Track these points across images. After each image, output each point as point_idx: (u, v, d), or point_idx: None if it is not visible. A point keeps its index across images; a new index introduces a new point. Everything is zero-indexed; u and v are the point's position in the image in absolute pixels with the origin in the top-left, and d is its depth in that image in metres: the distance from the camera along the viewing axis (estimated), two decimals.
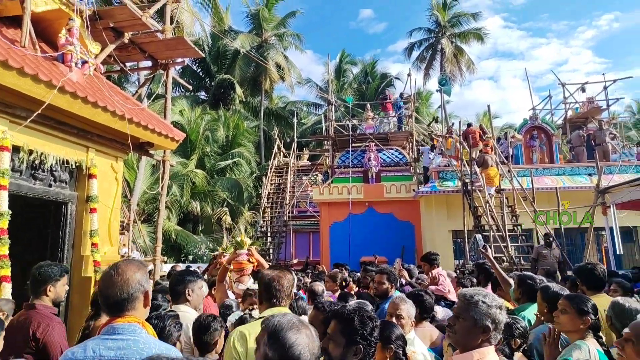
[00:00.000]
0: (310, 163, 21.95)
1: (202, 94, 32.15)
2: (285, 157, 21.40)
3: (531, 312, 3.31)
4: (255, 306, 3.55)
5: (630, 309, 2.72)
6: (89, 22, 6.05)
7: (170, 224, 19.91)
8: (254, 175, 27.20)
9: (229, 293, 4.35)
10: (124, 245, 10.99)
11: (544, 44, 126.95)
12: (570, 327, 2.55)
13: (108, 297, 1.71)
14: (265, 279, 2.43)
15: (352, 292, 5.27)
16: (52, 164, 5.64)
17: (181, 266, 9.65)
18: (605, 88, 16.51)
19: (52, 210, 6.08)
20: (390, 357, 2.31)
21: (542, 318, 3.02)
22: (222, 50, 30.69)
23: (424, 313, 3.26)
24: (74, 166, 6.04)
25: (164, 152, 8.37)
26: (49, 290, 2.79)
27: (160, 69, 8.30)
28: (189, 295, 3.01)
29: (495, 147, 12.73)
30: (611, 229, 9.47)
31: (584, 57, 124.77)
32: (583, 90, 17.23)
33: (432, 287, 5.05)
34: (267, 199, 19.15)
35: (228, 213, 22.62)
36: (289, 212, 18.03)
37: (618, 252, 9.04)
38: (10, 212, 4.85)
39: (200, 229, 23.78)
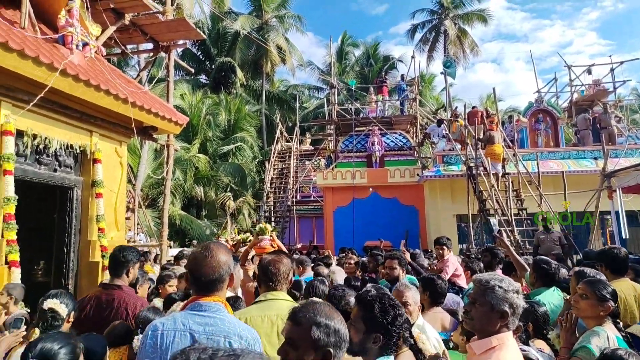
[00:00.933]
0: (313, 148, 21.84)
1: (203, 78, 31.85)
2: (287, 141, 21.30)
3: (546, 297, 3.28)
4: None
5: None
6: (88, 3, 5.92)
7: (175, 209, 19.92)
8: (257, 160, 27.11)
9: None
10: (129, 229, 11.01)
11: (548, 26, 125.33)
12: (590, 313, 2.51)
13: (200, 276, 1.81)
14: (262, 263, 2.48)
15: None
16: (56, 149, 5.59)
17: (187, 250, 9.65)
18: (612, 70, 16.28)
19: (58, 195, 6.06)
20: None
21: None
22: (222, 32, 30.29)
23: (436, 298, 3.22)
24: (78, 151, 5.99)
25: (168, 137, 8.30)
26: (130, 272, 2.93)
27: (161, 52, 8.17)
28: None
29: (499, 124, 12.59)
30: (617, 213, 9.42)
31: (589, 38, 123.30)
32: (589, 72, 17.00)
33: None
34: (270, 184, 19.11)
35: (232, 198, 22.61)
36: (292, 197, 18.01)
37: (624, 237, 9.01)
38: (17, 198, 4.82)
39: (204, 213, 23.81)
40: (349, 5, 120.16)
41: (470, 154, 12.03)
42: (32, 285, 6.11)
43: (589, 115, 14.61)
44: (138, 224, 12.31)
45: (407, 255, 5.82)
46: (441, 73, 16.18)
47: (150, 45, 8.18)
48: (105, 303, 2.74)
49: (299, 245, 15.96)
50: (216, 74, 29.81)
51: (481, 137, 11.93)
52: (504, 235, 3.98)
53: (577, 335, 2.53)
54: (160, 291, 4.21)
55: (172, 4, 8.11)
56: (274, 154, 19.71)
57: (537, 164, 11.91)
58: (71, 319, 2.55)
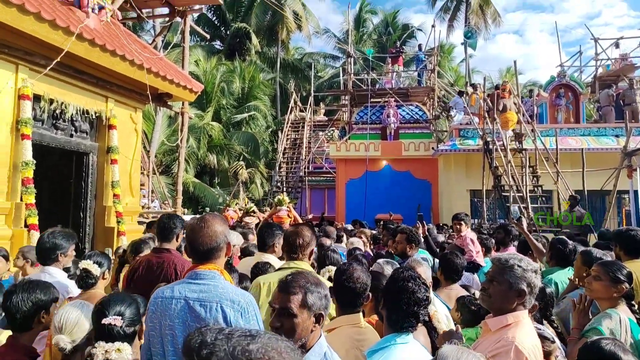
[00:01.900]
0: (326, 118, 21.64)
1: (218, 44, 31.46)
2: (301, 111, 21.12)
3: (559, 276, 3.26)
4: None
5: None
6: None
7: (188, 176, 20.13)
8: (270, 129, 27.03)
9: None
10: (144, 195, 11.17)
11: None
12: (603, 294, 2.49)
13: (198, 246, 1.92)
14: (285, 234, 2.68)
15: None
16: (72, 114, 5.62)
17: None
18: None
19: (75, 160, 6.13)
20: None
21: (579, 283, 2.96)
22: None
23: (453, 274, 3.22)
24: (94, 116, 6.02)
25: (182, 104, 8.28)
26: (177, 239, 3.17)
27: (177, 17, 8.05)
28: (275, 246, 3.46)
29: (513, 91, 12.30)
30: (635, 192, 9.23)
31: (619, 9, 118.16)
32: (617, 45, 16.33)
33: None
34: (283, 154, 19.10)
35: (244, 167, 22.73)
36: (304, 168, 18.01)
37: None
38: (35, 162, 4.89)
39: (217, 181, 24.04)
40: None
41: (487, 128, 11.82)
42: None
43: (613, 91, 14.14)
44: (152, 191, 12.47)
45: (421, 230, 5.83)
46: (461, 44, 15.78)
47: (166, 10, 8.06)
48: (156, 265, 2.95)
49: (310, 216, 16.08)
50: (231, 40, 29.41)
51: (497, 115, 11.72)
52: (524, 222, 3.97)
53: (590, 317, 2.52)
54: None
55: None
56: (287, 123, 19.61)
57: (556, 140, 11.66)
58: (106, 276, 2.75)
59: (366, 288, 2.15)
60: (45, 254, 2.96)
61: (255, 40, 28.85)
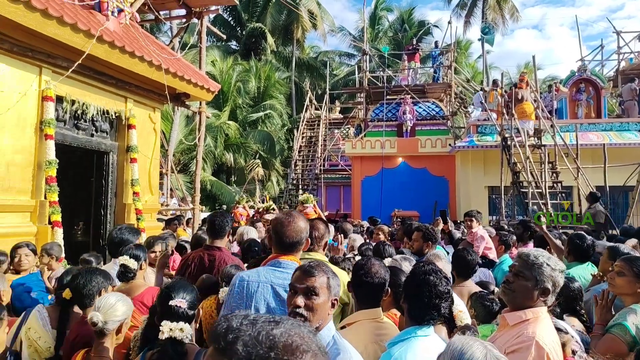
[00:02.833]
0: (342, 116, 21.61)
1: (234, 44, 31.68)
2: (316, 109, 21.11)
3: (578, 271, 3.23)
4: None
5: None
6: None
7: (206, 175, 20.36)
8: (286, 127, 27.13)
9: None
10: (162, 193, 11.35)
11: None
12: (627, 290, 2.46)
13: (285, 238, 2.13)
14: None
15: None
16: (93, 114, 5.75)
17: None
18: None
19: (95, 160, 6.27)
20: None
21: (604, 278, 2.92)
22: None
23: (466, 272, 3.21)
24: (113, 117, 6.14)
25: (200, 104, 8.38)
26: (228, 236, 3.37)
27: (194, 18, 8.14)
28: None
29: (530, 83, 12.10)
30: None
31: None
32: None
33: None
34: (299, 152, 19.15)
35: (260, 165, 22.87)
36: (320, 166, 18.03)
37: None
38: (58, 161, 5.02)
39: (234, 179, 24.25)
40: None
41: (506, 124, 11.66)
42: (73, 244, 6.46)
43: (636, 84, 13.79)
44: (170, 189, 12.66)
45: (441, 227, 5.82)
46: (478, 40, 15.58)
47: (182, 11, 8.16)
48: (207, 262, 3.11)
49: (326, 213, 16.11)
50: (247, 40, 29.60)
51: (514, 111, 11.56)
52: (543, 220, 3.97)
53: (613, 313, 2.49)
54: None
55: None
56: (302, 122, 19.64)
57: (576, 135, 11.44)
58: (144, 267, 3.03)
59: (385, 282, 2.16)
60: (115, 248, 3.24)
61: (270, 39, 28.97)
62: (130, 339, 2.27)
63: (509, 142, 11.31)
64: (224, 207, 18.01)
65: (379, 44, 28.67)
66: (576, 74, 13.77)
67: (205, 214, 11.36)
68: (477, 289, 3.34)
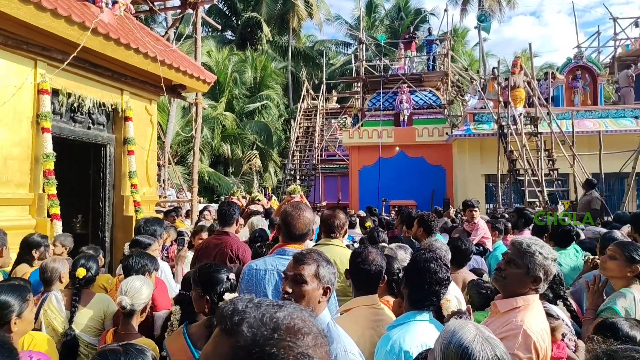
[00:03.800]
0: (339, 106, 21.57)
1: (229, 34, 31.45)
2: (313, 99, 21.08)
3: (560, 257, 3.30)
4: None
5: None
6: None
7: (203, 166, 20.35)
8: (283, 118, 27.07)
9: None
10: (160, 185, 11.35)
11: None
12: (617, 273, 2.51)
13: (294, 230, 2.31)
14: (323, 217, 2.96)
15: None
16: (89, 107, 5.74)
17: (214, 206, 9.95)
18: None
19: (92, 152, 6.27)
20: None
21: (596, 265, 2.98)
22: None
23: (461, 260, 3.27)
24: (110, 109, 6.13)
25: (196, 95, 8.36)
26: (235, 223, 3.65)
27: (189, 8, 8.09)
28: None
29: (524, 68, 12.10)
30: None
31: None
32: (637, 24, 15.91)
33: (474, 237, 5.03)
34: (296, 142, 19.15)
35: (258, 156, 22.87)
36: (317, 156, 18.05)
37: None
38: (55, 154, 5.02)
39: (231, 170, 24.25)
40: None
41: (502, 112, 11.68)
42: (72, 236, 6.46)
43: (632, 71, 13.81)
44: (168, 179, 12.67)
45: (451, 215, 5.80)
46: (475, 27, 15.51)
47: (177, 2, 8.11)
48: (214, 245, 3.46)
49: (324, 203, 16.16)
50: (242, 29, 29.39)
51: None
52: (560, 209, 4.08)
53: (604, 298, 2.54)
54: (193, 242, 4.61)
55: None
56: (299, 112, 19.61)
57: (572, 122, 11.48)
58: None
59: (382, 270, 2.21)
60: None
61: (266, 29, 28.77)
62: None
63: (505, 130, 11.34)
64: (222, 198, 18.03)
65: (375, 33, 28.52)
66: (572, 61, 13.77)
67: (202, 205, 11.38)
68: (472, 276, 3.39)
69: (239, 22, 30.01)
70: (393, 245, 3.18)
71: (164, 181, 12.36)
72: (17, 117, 4.81)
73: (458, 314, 2.22)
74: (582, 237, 4.24)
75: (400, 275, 2.55)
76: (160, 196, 9.80)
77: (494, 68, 13.45)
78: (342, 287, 2.60)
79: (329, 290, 1.77)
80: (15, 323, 1.95)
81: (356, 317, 2.08)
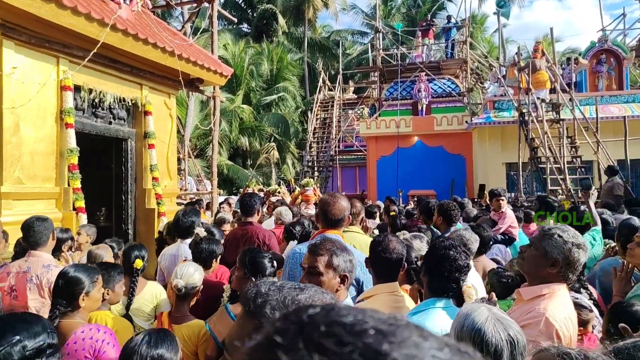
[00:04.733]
0: (356, 96, 21.44)
1: (245, 27, 31.49)
2: (330, 90, 20.99)
3: None
4: None
5: None
6: None
7: (222, 159, 20.54)
8: (300, 110, 27.07)
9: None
10: (181, 178, 11.52)
11: None
12: None
13: (331, 216, 2.48)
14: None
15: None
16: (110, 102, 5.85)
17: (233, 198, 10.06)
18: None
19: (114, 147, 6.40)
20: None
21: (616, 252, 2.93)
22: None
23: (480, 247, 3.24)
24: (130, 104, 6.23)
25: (214, 88, 8.42)
26: (257, 213, 3.89)
27: (205, 2, 8.13)
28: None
29: (546, 54, 11.79)
30: None
31: None
32: None
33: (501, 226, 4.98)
34: (313, 133, 19.13)
35: (275, 148, 22.96)
36: (335, 147, 18.02)
37: None
38: (79, 149, 5.15)
39: (249, 163, 24.42)
40: None
41: (523, 99, 11.44)
42: (96, 229, 6.63)
43: None
44: (188, 174, 12.84)
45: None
46: (494, 13, 15.15)
47: None
48: (241, 235, 3.71)
49: (343, 194, 16.14)
50: (258, 22, 29.39)
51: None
52: (594, 193, 3.95)
53: (632, 285, 2.50)
54: None
55: None
56: (316, 103, 19.56)
57: (596, 108, 11.18)
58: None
59: (402, 258, 2.21)
60: (185, 231, 3.67)
61: (282, 20, 28.70)
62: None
63: (526, 118, 11.12)
64: (241, 190, 18.21)
65: (392, 21, 28.16)
66: (596, 44, 13.36)
67: (223, 198, 11.52)
68: (492, 264, 3.37)
69: (255, 15, 30.01)
70: (408, 235, 3.18)
71: (183, 171, 12.55)
72: (41, 114, 4.94)
73: (481, 300, 2.21)
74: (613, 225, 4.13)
75: (418, 264, 2.56)
76: (181, 188, 9.95)
77: (515, 54, 13.16)
78: None
79: (346, 279, 1.78)
80: (83, 299, 2.13)
81: (376, 304, 2.09)
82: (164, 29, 6.46)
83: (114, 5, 5.48)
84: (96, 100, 5.68)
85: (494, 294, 2.47)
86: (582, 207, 4.04)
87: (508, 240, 4.69)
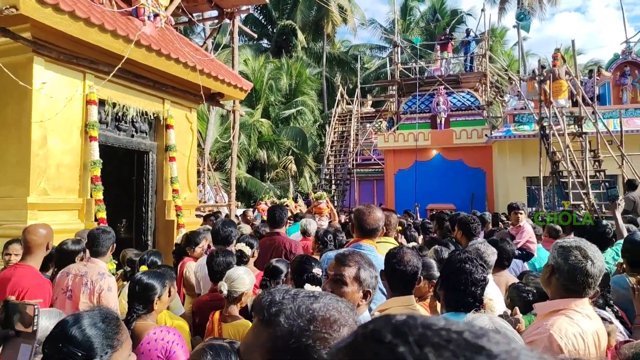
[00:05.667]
0: (374, 110, 21.46)
1: (265, 42, 32.00)
2: (348, 104, 21.09)
3: None
4: None
5: None
6: None
7: (240, 172, 20.74)
8: (318, 123, 27.23)
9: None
10: (200, 190, 11.67)
11: None
12: None
13: (365, 225, 2.54)
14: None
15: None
16: (133, 116, 6.01)
17: (250, 211, 10.14)
18: None
19: (136, 159, 6.55)
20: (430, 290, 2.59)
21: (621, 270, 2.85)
22: None
23: (502, 261, 3.19)
24: (152, 117, 6.39)
25: (234, 102, 8.57)
26: (285, 224, 4.22)
27: (226, 18, 8.32)
28: None
29: (565, 59, 11.70)
30: None
31: None
32: None
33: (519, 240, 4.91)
34: (331, 147, 19.19)
35: (293, 161, 23.08)
36: (352, 160, 18.03)
37: None
38: (102, 161, 5.28)
39: (267, 176, 24.58)
40: None
41: (544, 112, 11.28)
42: (117, 240, 6.73)
43: None
44: (206, 184, 12.99)
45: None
46: (514, 26, 15.08)
47: (215, 13, 8.36)
48: (269, 245, 3.97)
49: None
50: (278, 37, 29.85)
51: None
52: (622, 204, 3.85)
53: None
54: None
55: None
56: (334, 117, 19.66)
57: (620, 121, 10.93)
58: (255, 255, 3.70)
59: (417, 271, 2.19)
60: (225, 240, 3.80)
61: (301, 36, 29.08)
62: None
63: (547, 131, 10.94)
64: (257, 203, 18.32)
65: (410, 35, 28.24)
66: (620, 57, 13.13)
67: (241, 210, 11.61)
68: (514, 279, 3.31)
69: (275, 30, 30.50)
70: (437, 247, 3.18)
71: (202, 184, 12.71)
72: (68, 127, 5.10)
73: (502, 316, 2.18)
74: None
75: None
76: (200, 200, 10.07)
77: (534, 70, 13.02)
78: None
79: (369, 294, 1.76)
80: (156, 303, 2.30)
81: None
82: (186, 45, 6.63)
83: (138, 22, 5.67)
84: (119, 114, 5.84)
85: (517, 309, 2.43)
86: (605, 222, 3.94)
87: (526, 255, 4.60)
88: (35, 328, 1.59)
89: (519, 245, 4.74)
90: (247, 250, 3.47)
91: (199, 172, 10.62)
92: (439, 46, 16.97)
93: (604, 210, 9.30)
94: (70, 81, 5.11)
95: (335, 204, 16.65)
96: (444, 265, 2.11)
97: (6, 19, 4.22)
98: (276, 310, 0.74)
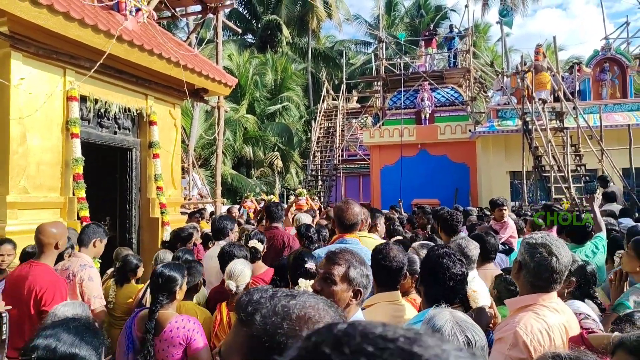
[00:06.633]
0: (359, 105, 21.52)
1: (249, 37, 31.77)
2: (334, 100, 21.10)
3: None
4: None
5: None
6: None
7: (226, 168, 20.62)
8: (303, 119, 27.20)
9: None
10: (185, 188, 11.57)
11: None
12: (629, 268, 2.59)
13: (345, 221, 2.66)
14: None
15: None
16: (115, 112, 5.91)
17: (235, 208, 10.09)
18: None
19: (119, 156, 6.45)
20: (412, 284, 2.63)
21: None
22: None
23: (487, 255, 3.23)
24: (135, 114, 6.30)
25: (218, 98, 8.50)
26: (283, 218, 4.43)
27: (209, 13, 8.23)
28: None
29: (546, 55, 11.90)
30: None
31: None
32: None
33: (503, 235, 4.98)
34: (317, 143, 19.20)
35: (279, 157, 23.03)
36: (338, 156, 18.06)
37: None
38: (84, 159, 5.20)
39: (253, 172, 24.50)
40: None
41: (526, 108, 11.45)
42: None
43: None
44: (194, 181, 12.90)
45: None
46: (497, 22, 15.19)
47: (198, 7, 8.26)
48: (269, 237, 4.03)
49: None
50: (262, 32, 29.65)
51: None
52: (599, 198, 3.96)
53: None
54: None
55: None
56: (320, 112, 19.65)
57: (600, 116, 11.16)
58: (264, 251, 3.75)
59: (403, 267, 2.21)
60: (220, 233, 3.94)
61: (286, 31, 28.94)
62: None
63: (530, 126, 11.11)
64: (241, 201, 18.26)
65: (395, 31, 28.33)
66: (600, 53, 13.37)
67: (226, 207, 11.55)
68: (500, 271, 3.36)
69: (259, 25, 30.29)
70: (416, 244, 3.18)
71: (194, 182, 12.61)
72: (48, 124, 5.00)
73: (479, 312, 2.21)
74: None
75: None
76: (185, 198, 9.99)
77: (517, 65, 13.18)
78: None
79: (360, 294, 1.71)
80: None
81: (377, 313, 2.10)
82: (169, 40, 6.54)
83: (120, 17, 5.57)
84: (102, 111, 5.74)
85: (494, 304, 2.47)
86: (584, 216, 4.03)
87: (508, 250, 4.68)
88: (4, 337, 1.54)
89: (502, 240, 4.82)
90: (260, 247, 3.57)
91: (183, 169, 10.53)
92: (423, 42, 17.05)
93: (584, 203, 9.49)
94: (50, 77, 5.00)
95: (322, 199, 16.68)
96: (423, 260, 2.13)
97: None
98: (252, 309, 0.74)
